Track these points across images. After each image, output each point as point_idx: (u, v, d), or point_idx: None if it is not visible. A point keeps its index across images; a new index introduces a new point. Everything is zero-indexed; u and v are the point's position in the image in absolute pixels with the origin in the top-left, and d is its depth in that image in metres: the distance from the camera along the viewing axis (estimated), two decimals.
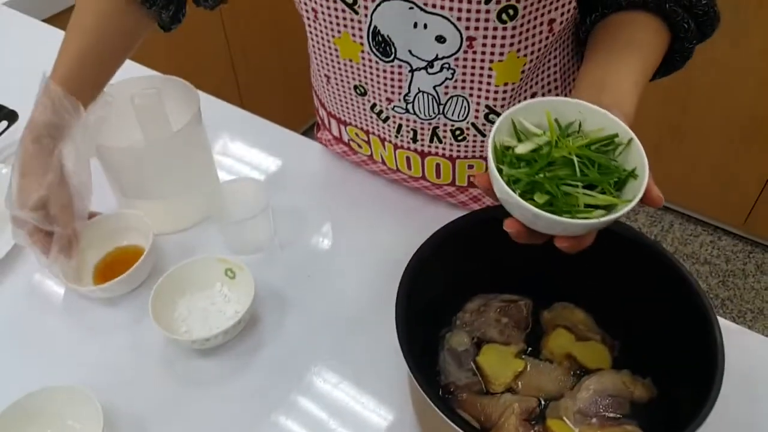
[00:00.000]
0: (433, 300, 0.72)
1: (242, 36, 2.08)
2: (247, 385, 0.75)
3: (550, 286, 0.78)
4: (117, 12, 0.82)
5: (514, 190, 0.51)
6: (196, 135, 0.86)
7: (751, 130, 1.90)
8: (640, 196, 0.51)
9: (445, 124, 0.79)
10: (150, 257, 0.83)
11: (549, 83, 0.80)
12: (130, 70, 1.16)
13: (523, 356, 0.71)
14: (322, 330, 0.80)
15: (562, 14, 0.71)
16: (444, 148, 0.83)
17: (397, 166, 0.90)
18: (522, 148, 0.54)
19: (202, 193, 0.86)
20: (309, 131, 2.40)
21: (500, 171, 0.52)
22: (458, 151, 0.83)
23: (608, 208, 0.52)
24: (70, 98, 0.77)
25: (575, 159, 0.52)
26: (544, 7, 0.68)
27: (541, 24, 0.70)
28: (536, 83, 0.79)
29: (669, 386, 0.67)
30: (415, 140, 0.83)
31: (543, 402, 0.67)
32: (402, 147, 0.85)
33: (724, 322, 0.79)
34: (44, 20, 1.43)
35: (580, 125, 0.56)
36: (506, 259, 0.75)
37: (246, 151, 1.07)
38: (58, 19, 1.48)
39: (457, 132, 0.80)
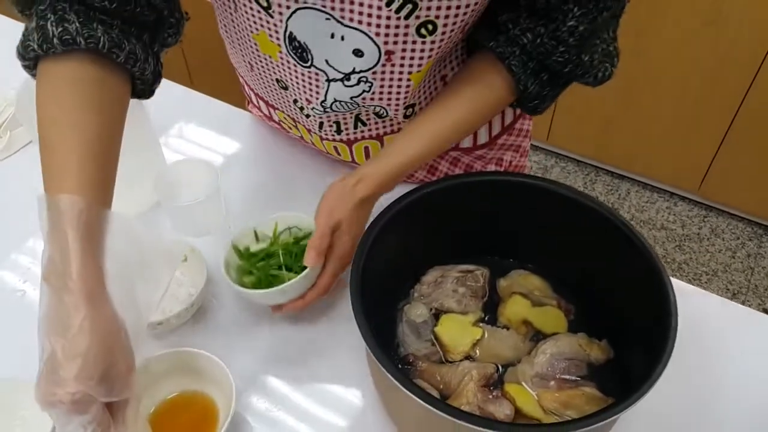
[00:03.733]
0: (391, 273, 0.71)
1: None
2: None
3: (506, 253, 0.78)
4: (100, 80, 0.61)
5: (239, 283, 0.73)
6: (138, 116, 0.83)
7: (703, 96, 1.93)
8: (305, 272, 0.69)
9: (367, 110, 0.78)
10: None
11: (456, 66, 0.80)
12: None
13: (481, 324, 0.71)
14: None
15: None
16: (369, 129, 0.82)
17: (327, 151, 0.89)
18: (255, 248, 0.77)
19: (148, 176, 0.84)
20: None
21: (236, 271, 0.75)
22: (384, 127, 0.81)
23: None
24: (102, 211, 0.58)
25: (280, 252, 0.75)
26: (462, 21, 0.66)
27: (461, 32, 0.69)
28: (444, 66, 0.78)
29: (625, 347, 0.68)
30: (339, 131, 0.82)
31: (501, 368, 0.67)
32: (327, 139, 0.84)
33: (679, 284, 0.80)
34: None
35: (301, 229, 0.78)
36: (461, 229, 0.75)
37: (194, 130, 1.04)
38: None
39: (381, 111, 0.78)
